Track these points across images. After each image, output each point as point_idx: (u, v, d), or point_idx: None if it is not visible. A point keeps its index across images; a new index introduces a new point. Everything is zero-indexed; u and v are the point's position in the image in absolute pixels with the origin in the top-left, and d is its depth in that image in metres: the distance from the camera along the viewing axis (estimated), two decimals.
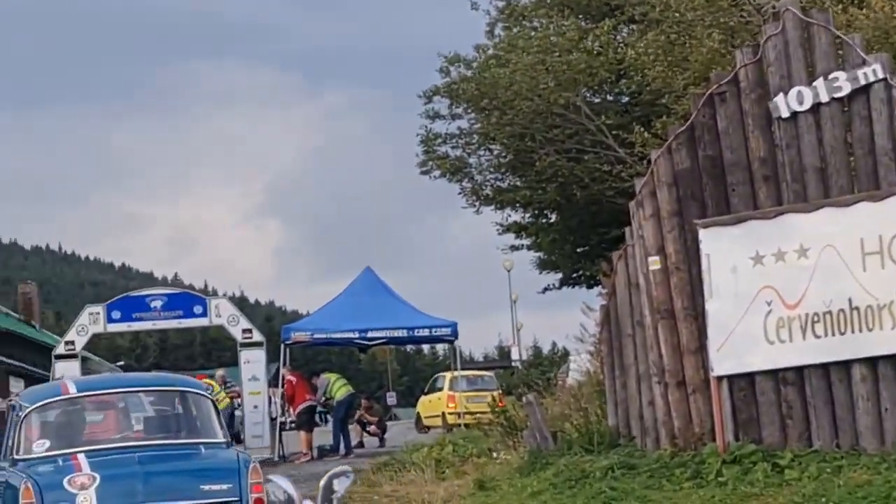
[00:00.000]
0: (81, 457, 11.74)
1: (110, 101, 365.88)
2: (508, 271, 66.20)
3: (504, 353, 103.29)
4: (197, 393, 13.15)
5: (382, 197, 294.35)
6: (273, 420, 30.04)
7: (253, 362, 30.48)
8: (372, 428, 33.88)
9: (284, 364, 29.46)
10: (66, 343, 30.59)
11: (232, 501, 11.44)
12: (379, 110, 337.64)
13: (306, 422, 28.91)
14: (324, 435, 31.01)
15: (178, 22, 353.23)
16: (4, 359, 56.35)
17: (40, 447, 12.12)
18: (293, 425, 29.69)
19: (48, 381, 26.84)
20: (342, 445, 28.94)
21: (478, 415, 28.16)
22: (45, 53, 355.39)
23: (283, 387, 29.45)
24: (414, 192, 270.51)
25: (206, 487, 11.62)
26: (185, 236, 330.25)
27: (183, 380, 14.95)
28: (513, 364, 66.45)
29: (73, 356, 30.31)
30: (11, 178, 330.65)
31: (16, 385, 48.90)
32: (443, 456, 20.78)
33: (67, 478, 11.37)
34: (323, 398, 29.66)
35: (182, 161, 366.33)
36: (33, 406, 12.56)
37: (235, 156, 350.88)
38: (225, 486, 10.11)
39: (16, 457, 12.13)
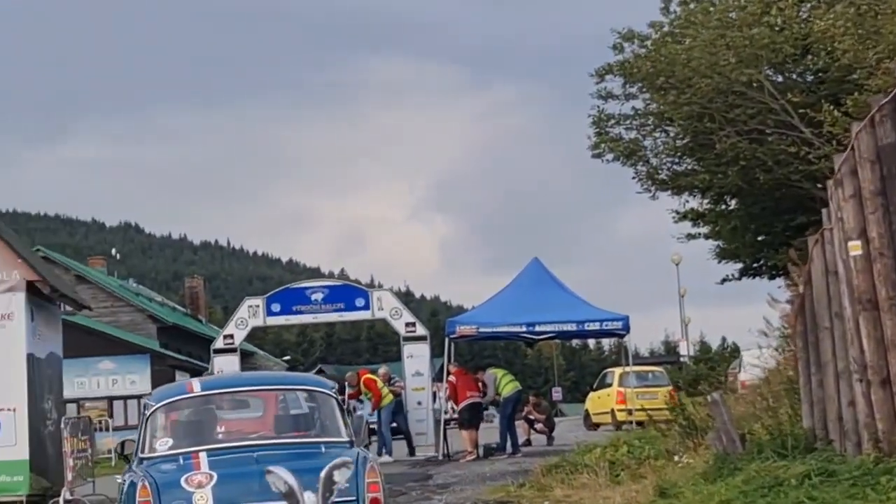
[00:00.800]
0: (202, 455, 11.79)
1: (279, 97, 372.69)
2: (676, 265, 65.31)
3: (671, 348, 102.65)
4: (321, 391, 13.12)
5: (549, 189, 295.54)
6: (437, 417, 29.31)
7: (417, 357, 29.99)
8: (539, 426, 33.31)
9: (449, 359, 28.55)
10: (225, 337, 30.33)
11: (348, 501, 11.23)
12: (547, 102, 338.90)
13: (469, 419, 27.89)
14: (489, 432, 30.15)
15: (345, 18, 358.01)
16: (171, 353, 56.84)
17: (163, 446, 12.22)
18: (455, 423, 28.83)
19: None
20: (509, 444, 28.00)
21: (649, 412, 27.03)
22: (217, 52, 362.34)
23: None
24: (581, 185, 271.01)
25: None
26: (353, 231, 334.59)
27: (308, 378, 15.18)
28: (680, 360, 65.78)
29: (233, 350, 29.93)
30: (182, 174, 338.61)
31: (181, 380, 48.91)
32: (617, 457, 19.77)
33: (185, 476, 11.39)
34: (495, 394, 28.60)
35: (350, 157, 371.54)
36: (158, 405, 12.63)
37: (403, 151, 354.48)
38: (342, 486, 9.49)
39: (141, 455, 12.23)
